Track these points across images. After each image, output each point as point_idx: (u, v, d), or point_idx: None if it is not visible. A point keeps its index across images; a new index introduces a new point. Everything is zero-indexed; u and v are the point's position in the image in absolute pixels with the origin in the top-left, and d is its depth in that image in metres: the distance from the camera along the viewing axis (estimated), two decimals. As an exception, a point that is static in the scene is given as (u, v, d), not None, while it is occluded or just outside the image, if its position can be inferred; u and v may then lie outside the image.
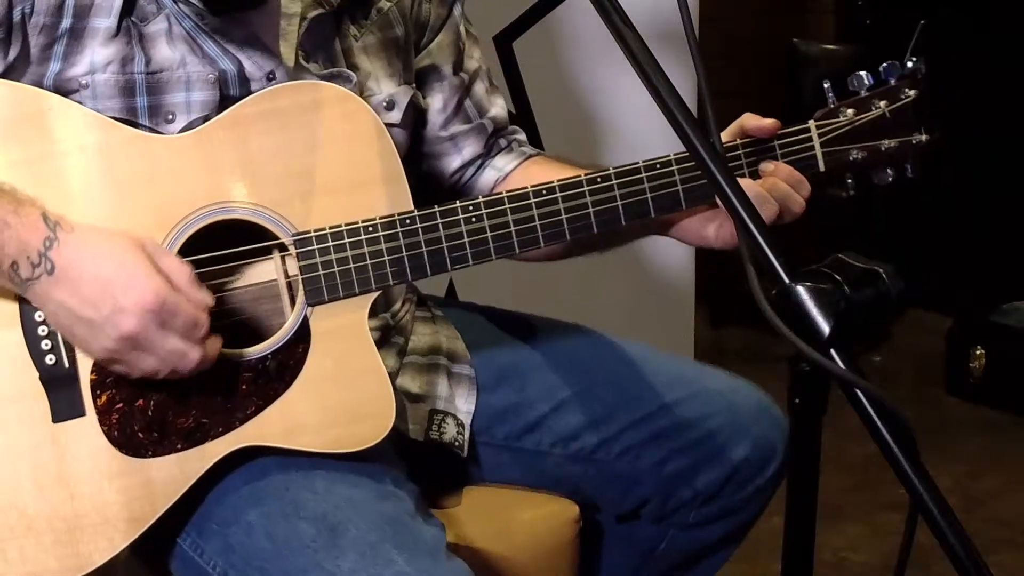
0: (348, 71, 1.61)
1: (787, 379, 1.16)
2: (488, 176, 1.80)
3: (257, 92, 1.51)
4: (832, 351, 1.11)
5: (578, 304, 2.53)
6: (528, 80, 2.77)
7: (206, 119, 1.50)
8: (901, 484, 1.09)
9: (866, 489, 3.41)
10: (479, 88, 1.80)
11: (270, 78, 1.55)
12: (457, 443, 1.70)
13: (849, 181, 1.66)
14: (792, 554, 1.19)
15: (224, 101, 1.52)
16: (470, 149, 1.79)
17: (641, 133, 2.89)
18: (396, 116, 1.67)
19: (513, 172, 1.80)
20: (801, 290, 1.12)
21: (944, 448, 3.72)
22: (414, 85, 1.72)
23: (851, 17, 5.43)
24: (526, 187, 1.55)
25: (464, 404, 1.73)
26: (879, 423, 1.09)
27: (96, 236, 1.40)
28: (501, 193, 1.54)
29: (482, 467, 1.77)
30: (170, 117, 1.51)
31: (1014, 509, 3.43)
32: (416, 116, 1.73)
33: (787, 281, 1.13)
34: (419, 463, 1.64)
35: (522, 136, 1.85)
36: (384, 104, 1.66)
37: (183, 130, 1.50)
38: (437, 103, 1.76)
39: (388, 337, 1.69)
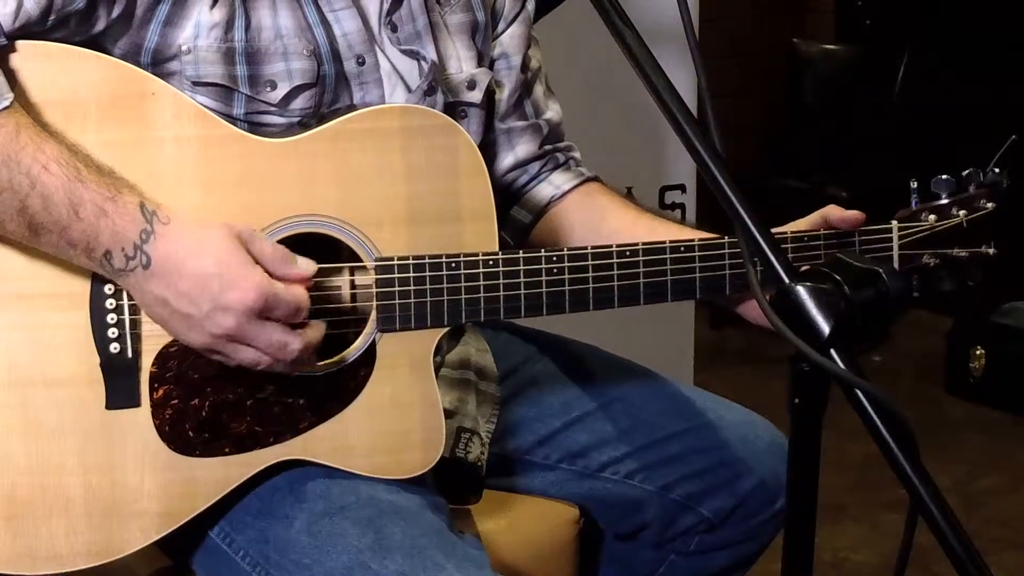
0: (426, 52, 1.59)
1: (787, 379, 1.16)
2: (545, 191, 1.79)
3: (363, 109, 1.50)
4: (832, 351, 1.10)
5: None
6: (528, 80, 2.76)
7: (307, 88, 1.50)
8: (901, 484, 1.09)
9: (866, 489, 3.41)
10: (538, 89, 1.80)
11: (360, 62, 1.54)
12: (480, 463, 1.69)
13: (915, 282, 1.67)
14: (792, 554, 1.19)
15: (321, 76, 1.51)
16: (524, 148, 1.77)
17: (641, 133, 2.89)
18: (477, 96, 1.67)
19: (571, 192, 1.79)
20: (801, 290, 1.12)
21: (944, 448, 3.72)
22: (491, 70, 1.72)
23: (851, 17, 5.44)
24: (611, 246, 1.53)
25: (485, 424, 1.72)
26: (879, 423, 1.09)
27: (193, 229, 1.37)
28: (586, 248, 1.53)
29: (490, 477, 1.76)
30: (270, 87, 1.49)
31: (1014, 509, 3.44)
32: (490, 101, 1.72)
33: (787, 281, 1.13)
34: (439, 475, 1.63)
35: (578, 154, 1.85)
36: (466, 83, 1.66)
37: (285, 98, 1.49)
38: (503, 92, 1.75)
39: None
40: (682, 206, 3.03)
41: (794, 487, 1.19)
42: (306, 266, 1.40)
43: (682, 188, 3.04)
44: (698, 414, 1.77)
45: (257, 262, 1.37)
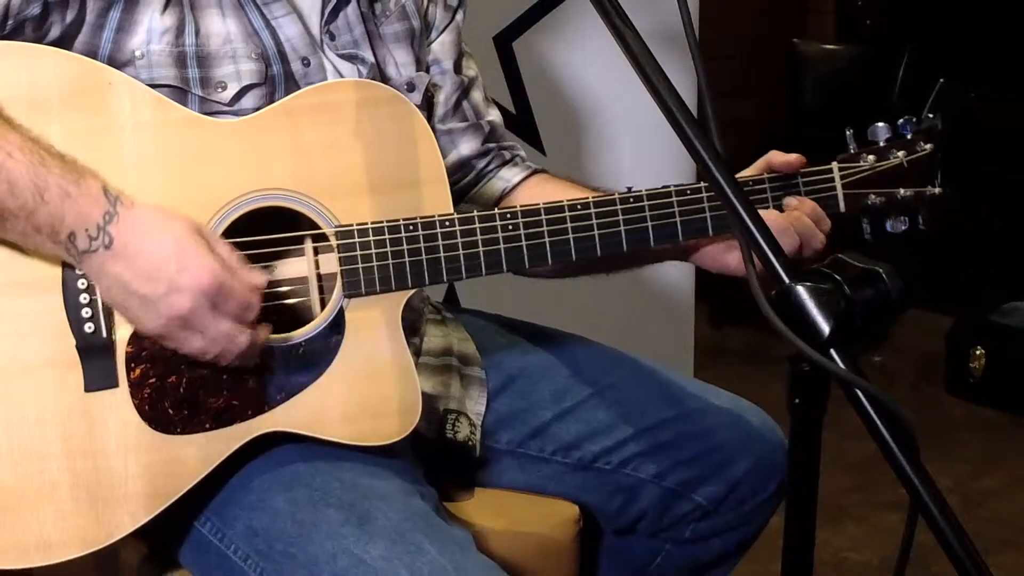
0: (364, 55, 1.65)
1: (787, 379, 1.16)
2: (495, 186, 1.82)
3: (311, 85, 1.55)
4: (832, 351, 1.11)
5: (579, 304, 2.53)
6: (528, 80, 2.77)
7: (256, 87, 1.55)
8: (901, 484, 1.09)
9: (866, 489, 3.41)
10: (477, 95, 1.84)
11: (305, 64, 1.59)
12: (471, 442, 1.71)
13: (865, 225, 1.72)
14: (792, 554, 1.19)
15: (269, 76, 1.56)
16: (467, 146, 1.81)
17: (641, 133, 2.89)
18: (417, 98, 1.70)
19: (521, 185, 1.82)
20: (801, 290, 1.12)
21: (944, 448, 3.72)
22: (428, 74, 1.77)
23: (851, 17, 5.44)
24: (562, 201, 1.58)
25: (475, 405, 1.74)
26: (879, 423, 1.09)
27: (156, 214, 1.40)
28: (538, 204, 1.57)
29: (486, 472, 1.78)
30: (220, 88, 1.54)
31: (1014, 509, 3.44)
32: (429, 104, 1.76)
33: (787, 281, 1.13)
34: (431, 465, 1.65)
35: (523, 153, 1.88)
36: (405, 86, 1.70)
37: (236, 97, 1.54)
38: (440, 95, 1.79)
39: (407, 337, 1.70)
40: (682, 206, 3.02)
41: (794, 487, 1.19)
42: (259, 276, 1.43)
43: (682, 188, 3.03)
44: (687, 400, 1.79)
45: None
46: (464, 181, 1.82)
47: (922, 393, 4.22)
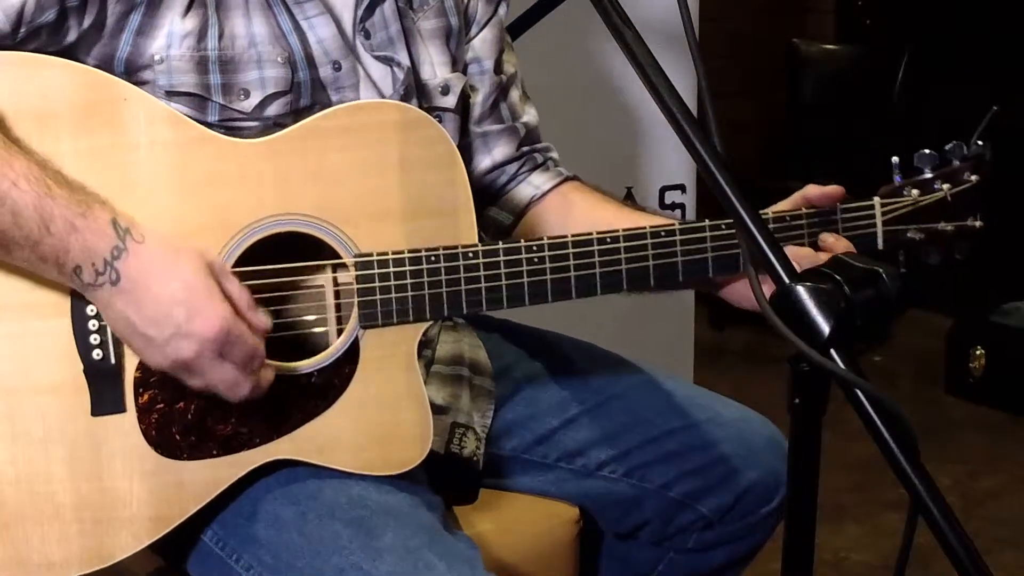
0: (399, 58, 1.60)
1: (787, 379, 1.16)
2: (525, 191, 1.79)
3: (337, 106, 1.50)
4: (832, 351, 1.10)
5: (580, 305, 2.53)
6: (528, 80, 2.77)
7: (281, 95, 1.50)
8: (901, 484, 1.09)
9: (866, 489, 3.41)
10: (514, 93, 1.80)
11: (336, 68, 1.55)
12: (476, 458, 1.69)
13: (901, 258, 1.66)
14: (792, 554, 1.19)
15: (295, 83, 1.51)
16: (501, 151, 1.77)
17: (641, 133, 2.90)
18: (451, 101, 1.67)
19: (550, 192, 1.79)
20: (801, 290, 1.12)
21: (944, 448, 3.72)
22: (464, 75, 1.72)
23: (851, 17, 5.44)
24: (591, 233, 1.53)
25: (482, 418, 1.72)
26: (879, 423, 1.09)
27: (167, 251, 1.36)
28: (566, 237, 1.53)
29: (489, 477, 1.76)
30: (243, 96, 1.49)
31: (1014, 509, 3.44)
32: (464, 105, 1.73)
33: (787, 281, 1.13)
34: (434, 474, 1.63)
35: (556, 155, 1.85)
36: (440, 89, 1.66)
37: (260, 105, 1.49)
38: (478, 96, 1.75)
39: (420, 350, 1.69)
40: (682, 206, 3.03)
41: (794, 487, 1.19)
42: (267, 319, 1.40)
43: (682, 188, 3.03)
44: (695, 411, 1.78)
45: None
46: (495, 185, 1.79)
47: (922, 393, 4.22)
